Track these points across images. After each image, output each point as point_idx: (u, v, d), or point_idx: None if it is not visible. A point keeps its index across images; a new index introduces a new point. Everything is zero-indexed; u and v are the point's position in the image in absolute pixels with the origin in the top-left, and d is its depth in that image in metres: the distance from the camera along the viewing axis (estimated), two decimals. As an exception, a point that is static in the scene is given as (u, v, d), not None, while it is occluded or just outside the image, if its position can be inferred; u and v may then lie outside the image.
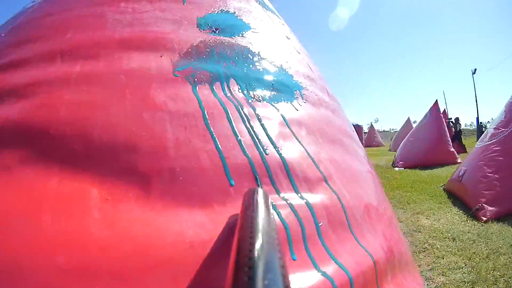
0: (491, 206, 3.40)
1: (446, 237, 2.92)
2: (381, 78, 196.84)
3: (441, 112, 9.43)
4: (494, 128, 4.39)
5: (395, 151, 9.55)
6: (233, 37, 0.83)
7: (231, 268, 0.25)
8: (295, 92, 0.81)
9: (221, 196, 0.48)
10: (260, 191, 0.42)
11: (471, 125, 76.32)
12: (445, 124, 8.80)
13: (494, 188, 3.57)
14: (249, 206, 0.37)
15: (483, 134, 4.84)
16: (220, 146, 0.54)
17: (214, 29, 0.83)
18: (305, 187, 0.57)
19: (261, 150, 0.57)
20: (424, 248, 2.69)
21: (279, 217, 0.49)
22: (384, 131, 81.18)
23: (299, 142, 0.66)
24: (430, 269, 2.31)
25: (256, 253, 0.25)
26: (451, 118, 14.25)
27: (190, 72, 0.66)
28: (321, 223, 0.53)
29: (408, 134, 9.53)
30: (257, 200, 0.38)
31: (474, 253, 2.53)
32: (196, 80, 0.65)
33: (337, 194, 0.61)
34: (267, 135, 0.61)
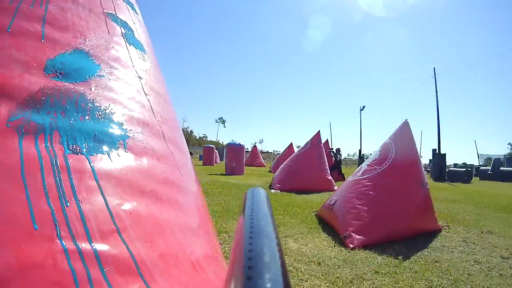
0: (358, 235, 3.77)
1: (311, 261, 3.08)
2: (271, 100, 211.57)
3: (324, 141, 10.55)
4: (368, 165, 5.04)
5: (275, 173, 10.20)
6: (74, 82, 0.94)
7: (230, 268, 0.29)
8: (118, 142, 0.92)
9: (26, 237, 0.61)
10: (261, 192, 0.46)
11: (353, 155, 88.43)
12: (324, 153, 9.86)
13: (362, 219, 3.95)
14: (249, 206, 0.40)
15: (356, 169, 5.54)
16: (30, 197, 0.66)
17: (58, 74, 0.93)
18: (98, 237, 0.69)
19: (63, 201, 0.69)
20: (288, 271, 2.79)
21: (68, 263, 0.62)
22: (267, 152, 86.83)
23: (103, 195, 0.77)
24: (293, 292, 2.40)
25: (256, 253, 0.27)
26: (332, 149, 16.15)
27: (20, 123, 0.76)
28: (106, 269, 0.65)
29: (288, 159, 10.30)
30: (257, 200, 0.42)
31: (338, 277, 2.70)
32: (24, 131, 0.75)
33: (127, 245, 0.72)
34: (72, 188, 0.73)
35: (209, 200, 6.29)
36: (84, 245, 0.66)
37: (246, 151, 23.71)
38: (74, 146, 0.81)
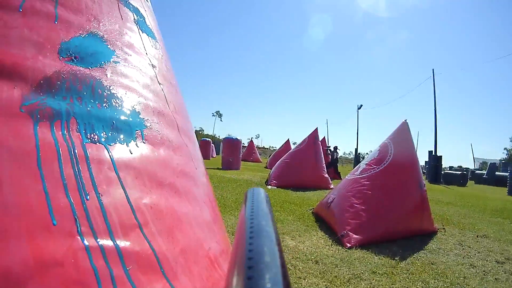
0: (355, 234, 3.79)
1: (309, 259, 3.09)
2: (269, 96, 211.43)
3: (321, 139, 10.56)
4: (366, 164, 5.05)
5: (271, 169, 10.21)
6: (90, 67, 0.90)
7: (231, 268, 0.30)
8: (136, 132, 0.89)
9: (44, 233, 0.57)
10: (261, 191, 0.46)
11: (349, 154, 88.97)
12: (321, 151, 9.87)
13: (359, 218, 4.00)
14: (249, 206, 0.40)
15: (355, 168, 5.56)
16: (47, 188, 0.62)
17: (73, 57, 0.88)
18: (119, 233, 0.66)
19: (83, 194, 0.66)
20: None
21: (90, 261, 0.59)
22: (264, 147, 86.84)
23: (123, 187, 0.74)
24: (291, 290, 2.40)
25: (256, 253, 0.27)
26: (329, 147, 16.18)
27: (35, 108, 0.72)
28: (129, 267, 0.62)
29: (285, 155, 10.32)
30: (257, 200, 0.41)
31: (335, 276, 2.71)
32: (39, 117, 0.71)
33: (149, 241, 0.70)
34: (92, 179, 0.69)
35: (206, 194, 6.26)
36: (106, 242, 0.63)
37: (243, 146, 23.73)
38: (92, 135, 0.77)
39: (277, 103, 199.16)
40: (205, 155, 22.73)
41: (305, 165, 9.23)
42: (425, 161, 27.17)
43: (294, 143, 16.27)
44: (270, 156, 22.83)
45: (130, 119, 0.90)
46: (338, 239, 3.83)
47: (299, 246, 3.53)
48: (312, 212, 5.37)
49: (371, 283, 2.67)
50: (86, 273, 0.57)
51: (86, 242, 0.60)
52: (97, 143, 0.77)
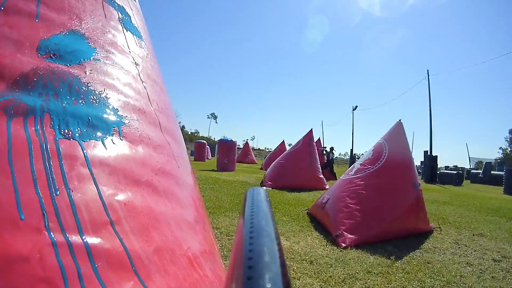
0: (350, 234, 3.78)
1: (304, 260, 3.07)
2: (264, 97, 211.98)
3: (316, 140, 10.56)
4: (361, 164, 5.05)
5: (266, 170, 10.20)
6: (68, 65, 0.90)
7: (231, 268, 0.30)
8: (113, 128, 0.88)
9: (11, 228, 0.57)
10: (261, 191, 0.46)
11: (345, 155, 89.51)
12: (316, 152, 9.88)
13: (354, 218, 4.00)
14: (249, 206, 0.39)
15: (349, 168, 5.55)
16: (16, 183, 0.62)
17: (52, 55, 0.88)
18: (89, 230, 0.65)
19: (53, 190, 0.65)
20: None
21: (57, 257, 0.57)
22: (259, 149, 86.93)
23: (95, 184, 0.73)
24: (285, 290, 2.38)
25: (256, 253, 0.27)
26: (325, 147, 16.22)
27: (9, 104, 0.72)
28: (98, 264, 0.61)
29: (280, 156, 10.33)
30: (257, 200, 0.41)
31: (330, 276, 2.70)
32: (13, 112, 0.71)
33: (121, 238, 0.68)
34: (63, 175, 0.69)
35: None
36: (75, 238, 0.62)
37: (238, 148, 23.72)
38: (66, 131, 0.77)
39: (273, 105, 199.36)
40: (200, 157, 22.70)
41: (300, 166, 9.25)
42: (421, 161, 27.31)
43: (290, 145, 16.31)
44: (265, 157, 22.84)
45: (107, 116, 0.90)
46: (333, 239, 3.81)
47: (293, 246, 3.51)
48: (307, 213, 5.37)
49: (366, 283, 2.65)
50: (52, 269, 0.56)
51: (53, 238, 0.59)
52: (71, 139, 0.76)
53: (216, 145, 16.83)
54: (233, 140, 15.39)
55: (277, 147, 20.86)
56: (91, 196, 0.70)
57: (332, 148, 15.13)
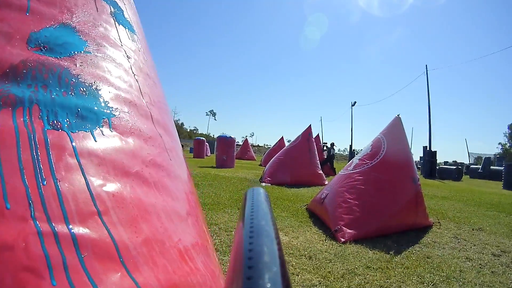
0: (349, 229, 3.80)
1: (302, 255, 3.09)
2: (263, 94, 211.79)
3: (315, 136, 10.55)
4: (360, 159, 5.05)
5: (266, 166, 10.19)
6: (58, 57, 0.90)
7: (231, 268, 0.30)
8: (103, 120, 0.88)
9: None
10: (261, 191, 0.45)
11: (344, 150, 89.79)
12: (315, 148, 9.88)
13: (353, 213, 4.03)
14: (249, 206, 0.39)
15: (348, 163, 5.54)
16: (3, 172, 0.62)
17: (42, 47, 0.89)
18: (76, 219, 0.64)
19: (39, 180, 0.65)
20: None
21: (42, 246, 0.57)
22: (258, 145, 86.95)
23: (83, 174, 0.73)
24: (284, 286, 2.37)
25: (256, 253, 0.27)
26: (326, 143, 16.26)
27: None
28: (85, 254, 0.61)
29: (279, 153, 10.33)
30: (257, 200, 0.41)
31: (329, 272, 2.70)
32: (1, 103, 0.72)
33: (108, 229, 0.68)
34: (50, 165, 0.68)
35: (200, 192, 6.26)
36: (61, 227, 0.61)
37: (237, 145, 23.71)
38: (55, 122, 0.77)
39: (272, 101, 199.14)
40: (200, 154, 22.68)
41: (299, 162, 9.25)
42: (420, 157, 27.31)
43: (289, 141, 16.29)
44: (264, 154, 22.84)
45: (97, 107, 0.90)
46: (332, 234, 3.82)
47: (292, 242, 3.51)
48: (306, 208, 5.37)
49: (365, 278, 2.65)
50: (37, 258, 0.56)
51: (39, 227, 0.59)
52: (60, 130, 0.76)
53: (215, 142, 16.80)
54: (232, 136, 15.38)
55: (276, 143, 20.90)
56: (79, 187, 0.70)
57: (332, 144, 15.18)
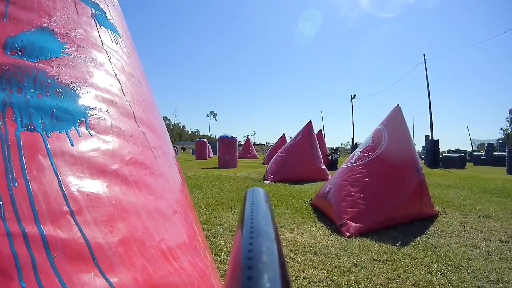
0: (354, 222, 3.76)
1: (308, 251, 3.06)
2: (262, 92, 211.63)
3: (317, 132, 10.48)
4: (361, 151, 5.00)
5: (268, 164, 10.15)
6: (35, 60, 0.89)
7: (231, 268, 0.29)
8: (79, 120, 0.87)
9: None
10: (261, 191, 0.46)
11: (346, 144, 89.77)
12: (317, 142, 9.82)
13: (357, 206, 3.99)
14: (249, 206, 0.40)
15: (349, 156, 5.48)
16: None
17: (18, 51, 0.88)
18: (47, 220, 0.63)
19: (10, 180, 0.64)
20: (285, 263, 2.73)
21: (11, 247, 0.56)
22: (260, 144, 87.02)
23: (56, 174, 0.71)
24: (290, 282, 2.33)
25: (256, 253, 0.27)
26: (332, 148, 16.44)
27: None
28: (55, 255, 0.60)
29: (281, 150, 10.29)
30: (257, 200, 0.42)
31: (335, 266, 2.68)
32: None
33: (81, 229, 0.67)
34: (22, 166, 0.68)
35: (203, 193, 6.26)
36: (31, 228, 0.61)
37: (239, 144, 23.68)
38: (29, 123, 0.77)
39: (271, 99, 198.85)
40: (202, 155, 22.67)
41: (301, 158, 9.22)
42: (423, 146, 27.20)
43: (290, 137, 16.28)
44: (266, 152, 22.82)
45: (73, 108, 0.89)
46: (336, 229, 3.78)
47: (297, 238, 3.47)
48: (310, 204, 5.33)
49: (372, 271, 2.62)
50: (6, 259, 0.56)
51: (8, 228, 0.59)
52: (34, 131, 0.76)
53: (217, 143, 16.78)
54: (233, 136, 15.37)
55: (278, 141, 20.85)
56: (51, 186, 0.69)
57: (336, 149, 15.31)
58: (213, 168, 13.76)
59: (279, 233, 2.86)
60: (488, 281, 2.50)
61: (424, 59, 23.73)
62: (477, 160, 25.22)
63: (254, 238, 0.30)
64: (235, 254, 0.30)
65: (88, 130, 0.88)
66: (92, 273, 0.63)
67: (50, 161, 0.73)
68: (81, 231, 0.67)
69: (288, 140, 14.95)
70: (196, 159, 21.80)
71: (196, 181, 8.31)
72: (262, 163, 17.76)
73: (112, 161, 0.87)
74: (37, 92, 0.83)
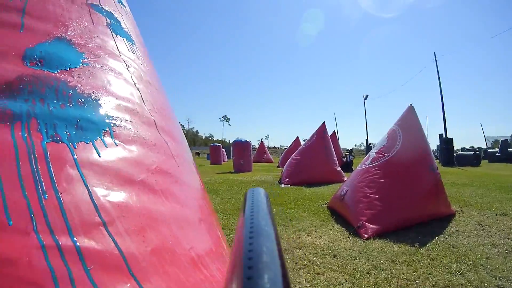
0: (372, 224, 3.70)
1: (327, 254, 3.02)
2: (274, 95, 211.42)
3: (331, 133, 10.42)
4: (376, 152, 4.95)
5: (283, 167, 10.13)
6: (55, 71, 0.90)
7: (230, 268, 0.29)
8: (104, 130, 0.87)
9: None
10: (261, 191, 0.45)
11: (360, 145, 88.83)
12: (331, 144, 9.75)
13: (375, 208, 3.94)
14: (249, 206, 0.39)
15: (365, 157, 5.44)
16: (3, 187, 0.61)
17: (38, 62, 0.88)
18: (80, 231, 0.63)
19: (41, 193, 0.64)
20: (304, 265, 2.74)
21: (46, 260, 0.56)
22: (274, 147, 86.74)
23: (86, 185, 0.71)
24: (310, 286, 2.36)
25: (256, 253, 0.27)
26: (347, 150, 16.34)
27: None
28: (91, 267, 0.59)
29: (295, 153, 10.22)
30: (257, 200, 0.41)
31: (355, 269, 2.64)
32: None
33: (115, 240, 0.67)
34: (51, 178, 0.67)
35: (219, 198, 6.27)
36: (65, 240, 0.60)
37: (253, 148, 23.67)
38: (54, 134, 0.76)
39: (284, 102, 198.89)
40: (217, 160, 22.74)
41: (316, 160, 9.13)
42: (437, 145, 26.76)
43: (304, 140, 16.22)
44: (281, 155, 22.76)
45: (97, 117, 0.89)
46: (354, 231, 3.74)
47: (316, 241, 3.45)
48: (327, 207, 5.30)
49: (391, 273, 2.59)
50: (41, 273, 0.55)
51: (42, 240, 0.58)
52: (60, 142, 0.76)
53: (231, 147, 16.82)
54: (247, 140, 15.34)
55: (292, 144, 20.76)
56: (82, 198, 0.69)
57: (351, 151, 15.18)
58: (228, 172, 13.78)
59: (298, 236, 2.84)
60: (507, 280, 2.44)
61: (435, 57, 23.44)
62: (491, 157, 24.70)
63: (254, 238, 0.30)
64: (235, 253, 0.30)
65: (113, 139, 0.88)
66: (129, 284, 0.63)
67: (79, 172, 0.73)
68: (115, 242, 0.67)
69: (302, 143, 14.92)
70: (210, 164, 21.90)
71: (212, 186, 8.33)
72: (277, 166, 17.70)
73: (139, 171, 0.87)
74: (60, 103, 0.84)
